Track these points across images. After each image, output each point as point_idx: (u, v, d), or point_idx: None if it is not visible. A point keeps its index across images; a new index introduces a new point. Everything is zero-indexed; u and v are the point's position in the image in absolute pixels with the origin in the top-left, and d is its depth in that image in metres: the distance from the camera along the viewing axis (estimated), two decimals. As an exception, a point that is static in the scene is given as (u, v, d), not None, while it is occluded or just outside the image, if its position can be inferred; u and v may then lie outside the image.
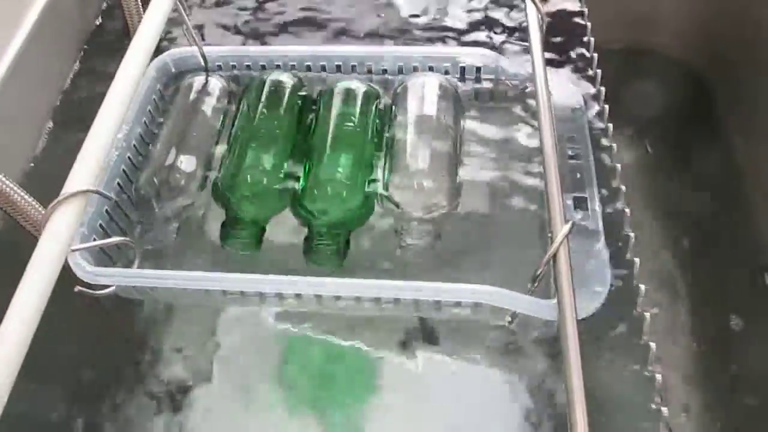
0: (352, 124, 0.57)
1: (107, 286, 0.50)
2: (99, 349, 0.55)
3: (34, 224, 0.52)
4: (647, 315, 0.49)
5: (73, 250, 0.48)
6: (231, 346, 0.53)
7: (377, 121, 0.59)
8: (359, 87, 0.60)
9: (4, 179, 0.50)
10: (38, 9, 0.67)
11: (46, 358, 0.39)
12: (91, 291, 0.50)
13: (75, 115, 0.68)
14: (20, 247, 0.41)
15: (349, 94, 0.59)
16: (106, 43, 0.75)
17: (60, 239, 0.39)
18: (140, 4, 0.68)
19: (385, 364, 0.51)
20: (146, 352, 0.53)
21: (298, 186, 0.55)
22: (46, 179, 0.44)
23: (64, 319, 0.40)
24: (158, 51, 0.55)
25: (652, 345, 0.48)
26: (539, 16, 0.54)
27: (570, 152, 0.55)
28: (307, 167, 0.56)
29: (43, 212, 0.43)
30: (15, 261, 0.38)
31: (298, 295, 0.50)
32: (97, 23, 0.77)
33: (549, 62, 0.56)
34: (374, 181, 0.55)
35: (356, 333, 0.52)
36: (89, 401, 0.51)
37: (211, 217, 0.57)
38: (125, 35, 0.71)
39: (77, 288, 0.49)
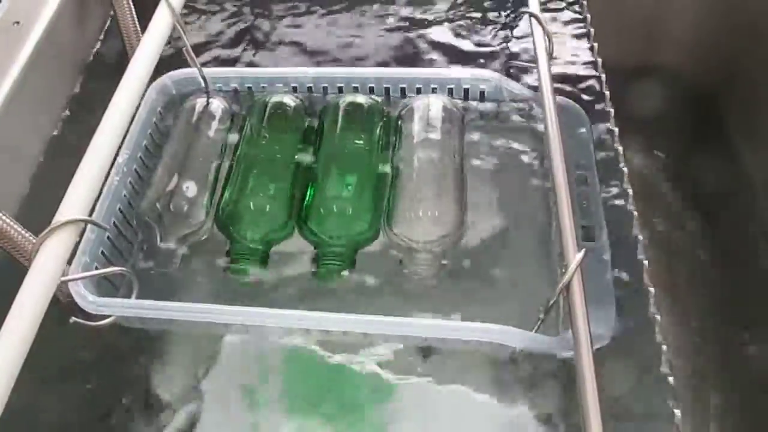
0: (358, 141, 0.56)
1: (107, 316, 0.49)
2: (92, 364, 0.53)
3: (26, 256, 0.50)
4: (664, 347, 0.47)
5: (63, 281, 0.47)
6: (234, 358, 0.52)
7: (383, 137, 0.58)
8: (363, 102, 0.59)
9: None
10: (37, 34, 0.66)
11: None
12: (88, 322, 0.48)
13: (74, 142, 0.67)
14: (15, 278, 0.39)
15: (353, 110, 0.58)
16: (106, 67, 0.74)
17: (49, 270, 0.38)
18: (138, 26, 0.67)
19: (387, 380, 0.50)
20: (144, 368, 0.51)
21: (303, 207, 0.54)
22: (43, 208, 0.43)
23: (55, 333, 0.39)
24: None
25: (671, 380, 0.46)
26: (545, 37, 0.53)
27: (577, 178, 0.54)
28: (312, 186, 0.55)
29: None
30: (9, 293, 0.36)
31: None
32: (97, 47, 0.76)
33: (555, 83, 0.55)
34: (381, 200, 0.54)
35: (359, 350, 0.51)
36: (85, 416, 0.50)
37: (215, 244, 0.55)
38: (125, 58, 0.70)
39: (73, 319, 0.48)
